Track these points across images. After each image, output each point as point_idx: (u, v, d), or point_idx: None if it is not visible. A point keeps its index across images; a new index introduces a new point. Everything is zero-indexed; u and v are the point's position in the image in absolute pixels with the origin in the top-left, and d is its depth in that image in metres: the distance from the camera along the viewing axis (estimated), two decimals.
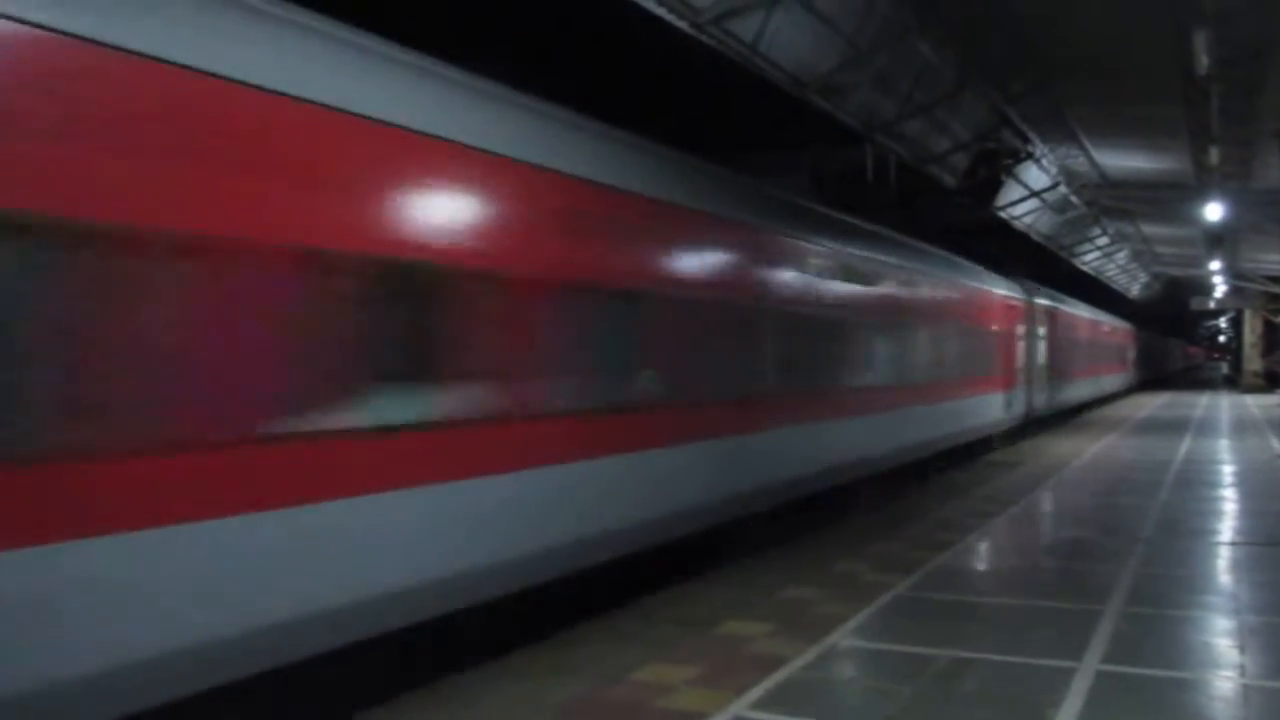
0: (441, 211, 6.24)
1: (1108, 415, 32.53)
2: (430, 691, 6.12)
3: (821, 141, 18.76)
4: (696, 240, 9.18)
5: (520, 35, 16.58)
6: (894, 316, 14.21)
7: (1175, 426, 27.15)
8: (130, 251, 4.48)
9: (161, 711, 4.60)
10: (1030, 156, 19.60)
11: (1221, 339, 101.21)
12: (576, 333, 7.33)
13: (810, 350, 11.26)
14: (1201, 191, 20.17)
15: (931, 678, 6.19)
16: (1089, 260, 34.67)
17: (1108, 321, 40.56)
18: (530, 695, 5.96)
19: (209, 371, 4.78)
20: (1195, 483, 15.47)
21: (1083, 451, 20.28)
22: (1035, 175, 21.31)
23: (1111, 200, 24.74)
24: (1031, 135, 18.41)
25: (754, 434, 9.94)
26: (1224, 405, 37.86)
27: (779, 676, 6.18)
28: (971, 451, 19.42)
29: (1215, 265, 35.73)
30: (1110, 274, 40.81)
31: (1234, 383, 54.95)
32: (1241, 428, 27.10)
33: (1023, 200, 22.38)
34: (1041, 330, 24.67)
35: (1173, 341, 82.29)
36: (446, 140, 6.24)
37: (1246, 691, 6.01)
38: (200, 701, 4.73)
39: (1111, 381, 40.37)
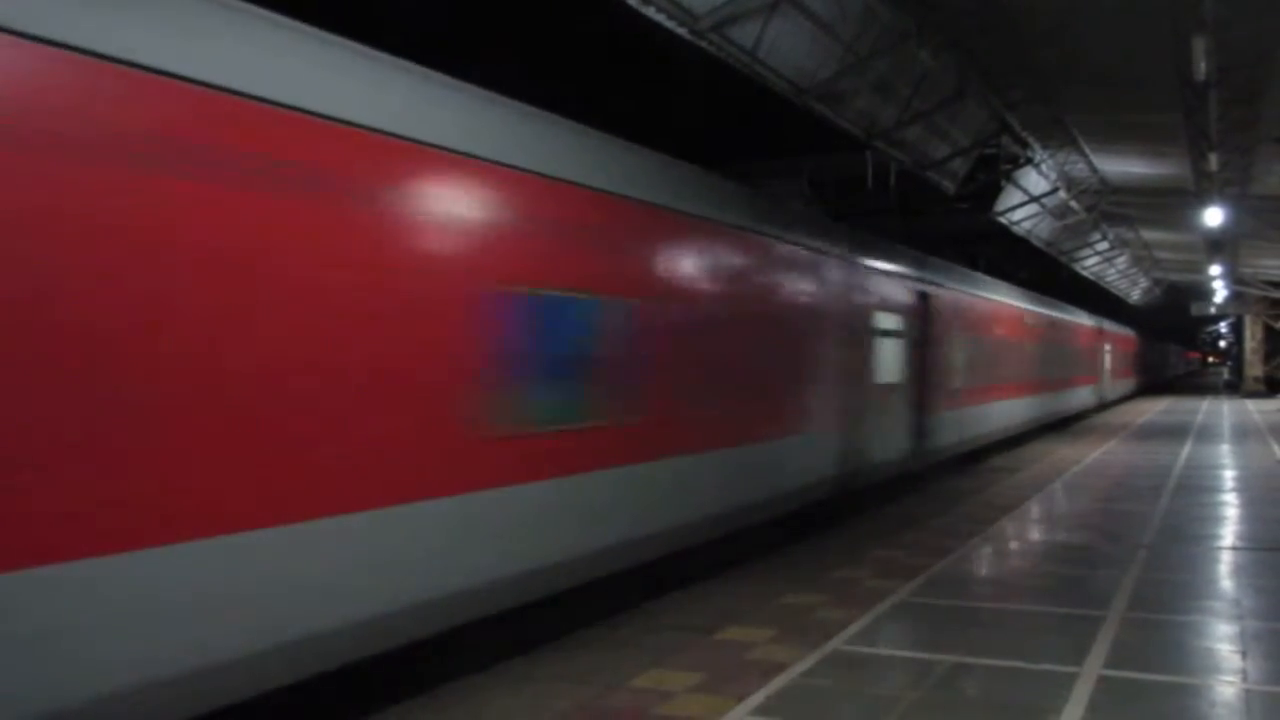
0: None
1: (1108, 421, 32.51)
2: (431, 698, 6.12)
3: (820, 147, 18.77)
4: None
5: (514, 40, 16.59)
6: None
7: (1176, 432, 27.13)
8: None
9: None
10: (1030, 162, 19.59)
11: (1222, 344, 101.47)
12: None
13: None
14: (1201, 197, 20.15)
15: (933, 683, 6.19)
16: (1089, 265, 34.65)
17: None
18: (532, 702, 5.95)
19: None
20: (1197, 488, 15.46)
21: (1083, 457, 20.27)
22: (1035, 180, 21.30)
23: (1111, 206, 24.70)
24: (1031, 141, 18.40)
25: None
26: (1225, 411, 37.83)
27: (780, 682, 6.19)
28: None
29: (1215, 270, 35.71)
30: (1110, 279, 40.75)
31: (1235, 388, 54.93)
32: (1243, 433, 27.08)
33: (1022, 205, 22.36)
34: None
35: (1170, 346, 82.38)
36: None
37: (1248, 697, 6.01)
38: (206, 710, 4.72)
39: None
